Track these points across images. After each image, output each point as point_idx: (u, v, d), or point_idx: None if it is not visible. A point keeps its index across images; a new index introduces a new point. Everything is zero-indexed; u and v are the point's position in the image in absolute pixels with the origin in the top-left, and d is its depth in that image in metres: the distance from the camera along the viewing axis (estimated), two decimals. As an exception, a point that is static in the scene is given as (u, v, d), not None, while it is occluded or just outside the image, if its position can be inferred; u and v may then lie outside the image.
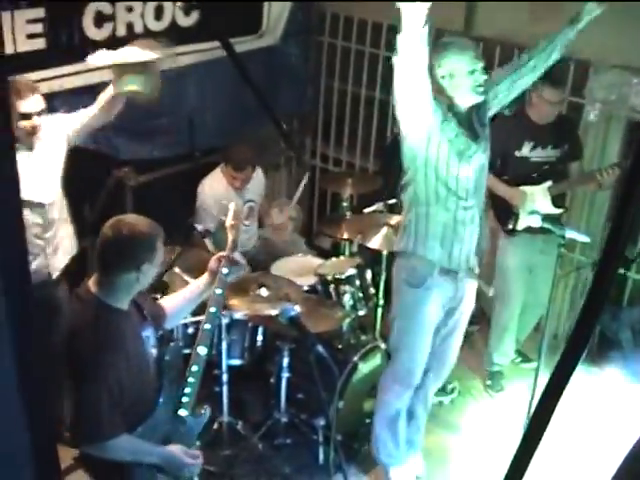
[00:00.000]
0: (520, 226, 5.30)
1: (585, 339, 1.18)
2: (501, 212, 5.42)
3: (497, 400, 5.79)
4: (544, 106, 5.19)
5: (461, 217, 4.16)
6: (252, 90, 1.85)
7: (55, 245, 4.75)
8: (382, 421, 4.68)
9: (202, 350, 3.40)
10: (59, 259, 4.81)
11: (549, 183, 5.24)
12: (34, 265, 4.59)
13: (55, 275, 4.79)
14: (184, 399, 3.32)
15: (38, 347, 1.39)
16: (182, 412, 3.32)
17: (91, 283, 3.22)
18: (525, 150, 5.30)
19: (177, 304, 3.68)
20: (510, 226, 5.35)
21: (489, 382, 5.87)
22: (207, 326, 3.48)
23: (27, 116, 4.32)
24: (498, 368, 5.86)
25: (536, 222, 5.06)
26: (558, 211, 5.24)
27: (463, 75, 3.98)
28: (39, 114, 4.38)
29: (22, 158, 4.40)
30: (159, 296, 4.18)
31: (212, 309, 3.52)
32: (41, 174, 4.54)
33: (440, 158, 4.05)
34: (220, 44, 2.03)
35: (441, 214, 4.16)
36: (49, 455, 1.45)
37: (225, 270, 3.60)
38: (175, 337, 4.82)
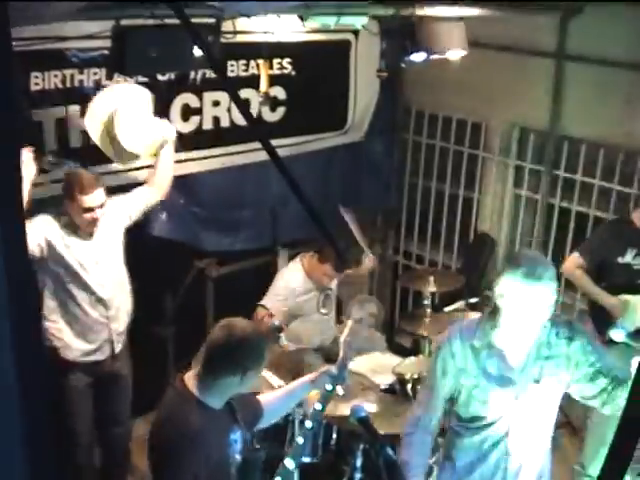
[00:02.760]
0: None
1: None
2: (599, 321, 5.22)
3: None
4: None
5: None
6: (301, 201, 1.81)
7: (116, 320, 4.87)
8: None
9: (290, 463, 3.31)
10: (120, 332, 4.92)
11: None
12: (97, 343, 4.80)
13: (118, 349, 4.93)
14: None
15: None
16: None
17: (189, 378, 3.19)
18: (628, 257, 5.14)
19: (273, 403, 3.60)
20: (608, 337, 5.15)
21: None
22: (300, 440, 3.39)
23: (89, 210, 4.49)
24: (589, 480, 5.57)
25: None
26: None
27: None
28: (101, 207, 4.54)
29: (82, 245, 4.64)
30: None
31: (308, 424, 3.44)
32: (101, 261, 4.72)
33: None
34: (262, 145, 2.00)
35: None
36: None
37: (329, 388, 3.54)
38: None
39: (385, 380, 5.20)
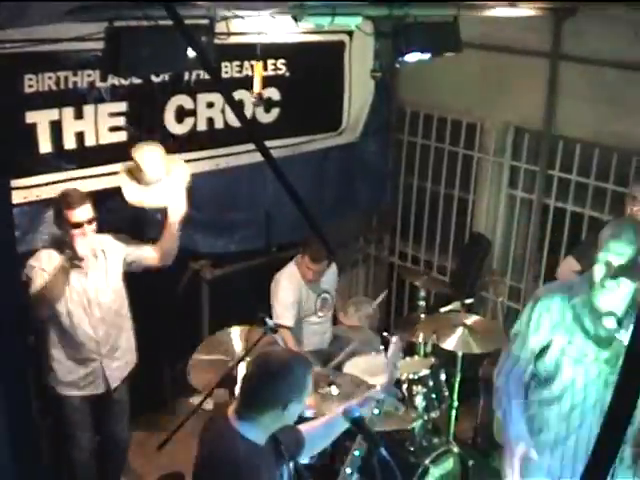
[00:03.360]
0: None
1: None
2: None
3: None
4: None
5: None
6: (294, 201, 1.81)
7: (111, 358, 4.91)
8: None
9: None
10: (115, 374, 4.96)
11: None
12: (91, 378, 4.85)
13: (114, 385, 4.96)
14: None
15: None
16: None
17: (231, 413, 3.11)
18: None
19: (314, 435, 3.51)
20: None
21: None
22: (349, 470, 3.32)
23: (78, 225, 4.48)
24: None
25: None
26: None
27: None
28: (89, 222, 4.53)
29: (81, 281, 4.68)
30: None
31: (348, 469, 3.37)
32: (96, 298, 4.75)
33: None
34: (255, 146, 2.00)
35: None
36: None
37: (377, 411, 3.52)
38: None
39: (380, 381, 5.18)
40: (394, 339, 3.85)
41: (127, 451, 5.36)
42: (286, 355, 3.14)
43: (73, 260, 4.54)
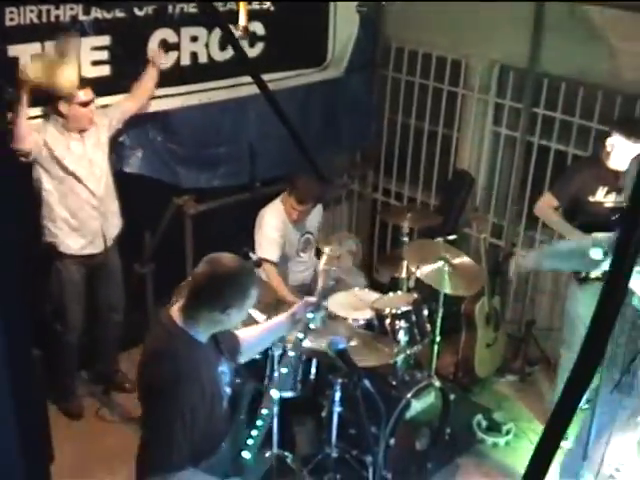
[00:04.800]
0: (592, 274, 5.15)
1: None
2: None
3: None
4: (619, 152, 5.09)
5: None
6: (288, 130, 1.82)
7: (107, 217, 5.30)
8: None
9: (275, 394, 3.33)
10: (111, 230, 5.38)
11: None
12: (90, 237, 5.25)
13: (110, 243, 5.39)
14: (249, 441, 3.27)
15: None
16: (245, 454, 3.26)
17: (175, 311, 3.18)
18: (599, 195, 5.18)
19: (252, 339, 3.61)
20: (582, 274, 5.21)
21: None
22: (284, 370, 3.42)
23: (85, 104, 4.95)
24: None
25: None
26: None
27: None
28: (92, 102, 5.01)
29: (78, 146, 5.08)
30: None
31: (292, 353, 3.45)
32: (93, 161, 5.15)
33: None
34: (253, 80, 2.00)
35: None
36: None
37: (310, 316, 3.54)
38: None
39: (363, 316, 5.25)
40: (326, 249, 3.86)
41: (120, 327, 5.72)
42: (235, 261, 3.18)
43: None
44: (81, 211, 5.14)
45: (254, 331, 3.68)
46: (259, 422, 3.28)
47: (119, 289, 5.64)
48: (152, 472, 3.09)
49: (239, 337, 3.55)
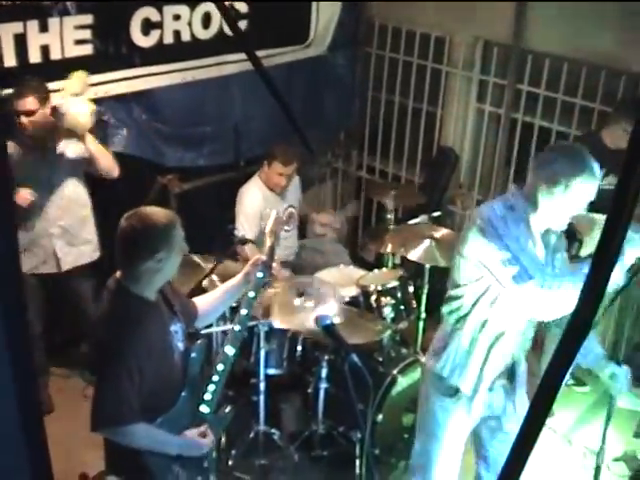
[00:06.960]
0: (583, 253, 5.17)
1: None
2: (566, 238, 5.27)
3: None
4: (620, 133, 5.09)
5: None
6: (280, 105, 1.84)
7: (61, 237, 5.14)
8: None
9: (229, 350, 3.40)
10: (73, 256, 5.22)
11: None
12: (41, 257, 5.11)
13: (65, 268, 5.19)
14: (207, 396, 3.36)
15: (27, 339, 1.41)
16: (204, 408, 3.35)
17: (119, 272, 3.24)
18: None
19: (209, 304, 3.67)
20: (573, 252, 5.22)
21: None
22: (237, 327, 3.48)
23: (30, 113, 4.72)
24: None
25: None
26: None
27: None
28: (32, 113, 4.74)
29: (35, 165, 4.94)
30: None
31: (244, 311, 3.51)
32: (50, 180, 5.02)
33: None
34: (247, 56, 2.00)
35: None
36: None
37: (260, 274, 3.58)
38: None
39: (349, 292, 5.26)
40: (273, 212, 3.88)
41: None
42: (152, 210, 3.20)
43: None
44: (31, 230, 5.02)
45: (210, 296, 3.75)
46: (215, 377, 3.35)
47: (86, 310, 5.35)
48: (103, 425, 3.15)
49: (195, 303, 3.62)
